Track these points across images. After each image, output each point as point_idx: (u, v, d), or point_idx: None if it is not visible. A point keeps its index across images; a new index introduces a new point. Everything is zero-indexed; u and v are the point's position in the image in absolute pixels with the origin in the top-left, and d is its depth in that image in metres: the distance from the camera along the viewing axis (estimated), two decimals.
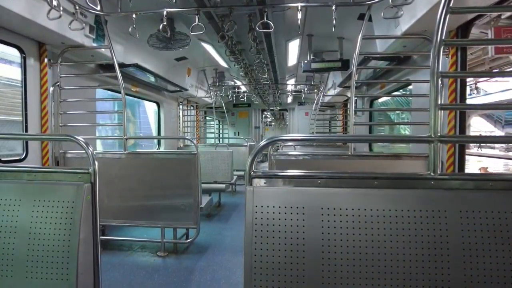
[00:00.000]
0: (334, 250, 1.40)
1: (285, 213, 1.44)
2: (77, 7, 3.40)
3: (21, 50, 3.61)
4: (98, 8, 3.44)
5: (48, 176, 1.75)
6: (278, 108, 14.43)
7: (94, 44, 3.99)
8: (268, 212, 1.45)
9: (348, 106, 9.27)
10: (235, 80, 8.87)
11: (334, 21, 3.17)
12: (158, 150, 3.89)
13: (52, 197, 1.65)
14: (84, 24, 3.69)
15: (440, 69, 1.46)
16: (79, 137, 1.73)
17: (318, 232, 1.42)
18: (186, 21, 4.56)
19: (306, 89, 9.04)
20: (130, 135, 6.40)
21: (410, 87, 4.98)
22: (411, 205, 1.41)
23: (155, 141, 7.52)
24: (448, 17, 1.41)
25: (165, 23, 3.53)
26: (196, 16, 3.47)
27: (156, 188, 3.84)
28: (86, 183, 1.67)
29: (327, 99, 9.23)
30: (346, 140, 1.85)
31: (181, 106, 8.36)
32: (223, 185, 5.72)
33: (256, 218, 1.44)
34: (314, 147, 7.72)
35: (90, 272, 1.70)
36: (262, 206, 1.46)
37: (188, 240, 4.07)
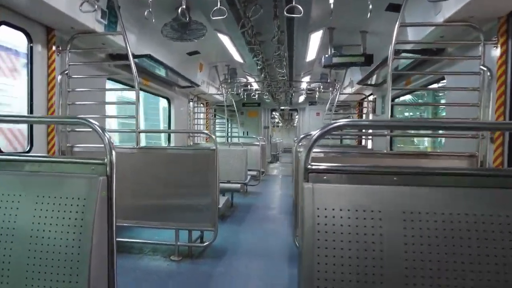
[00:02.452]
0: (421, 266, 1.09)
1: (357, 218, 1.13)
2: None
3: (27, 35, 3.34)
4: None
5: (55, 167, 1.45)
6: (289, 108, 14.14)
7: (107, 32, 3.71)
8: (334, 216, 1.13)
9: (365, 105, 8.96)
10: (248, 77, 8.58)
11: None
12: (173, 146, 3.59)
13: (59, 193, 1.36)
14: (96, 7, 3.42)
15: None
16: (93, 121, 1.44)
17: (399, 243, 1.10)
18: (204, 9, 4.27)
19: (321, 87, 8.71)
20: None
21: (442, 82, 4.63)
22: None
23: (164, 137, 7.25)
24: None
25: (184, 6, 3.25)
26: (218, 0, 3.18)
27: (170, 187, 3.54)
28: (102, 175, 1.37)
29: (342, 97, 8.90)
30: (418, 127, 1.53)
31: (191, 103, 8.08)
32: (238, 185, 5.40)
33: (318, 224, 1.13)
34: (331, 147, 7.41)
35: (104, 282, 1.40)
36: (326, 209, 1.14)
37: (205, 244, 3.76)
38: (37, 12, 3.13)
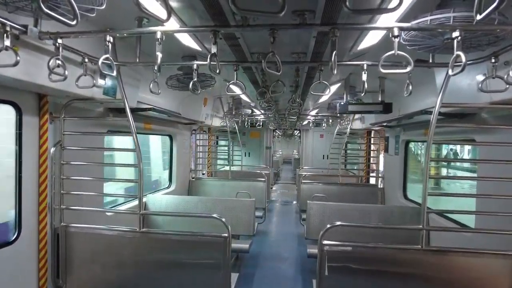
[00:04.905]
0: None
1: None
2: (86, 59, 2.74)
3: (16, 106, 2.93)
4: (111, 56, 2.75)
5: None
6: (294, 128, 13.80)
7: (105, 97, 3.32)
8: None
9: (374, 141, 8.61)
10: (253, 109, 8.22)
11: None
12: (181, 231, 3.19)
13: None
14: (93, 74, 3.02)
15: None
16: None
17: None
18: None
19: (331, 121, 8.35)
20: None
21: None
22: None
23: (166, 177, 6.85)
24: None
25: (195, 79, 2.87)
26: (235, 73, 2.80)
27: (177, 275, 3.14)
28: None
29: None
30: None
31: (194, 136, 7.68)
32: (246, 245, 4.98)
33: None
34: (338, 185, 7.06)
35: None
36: None
37: None
38: (27, 88, 2.74)
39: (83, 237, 3.26)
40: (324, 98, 6.02)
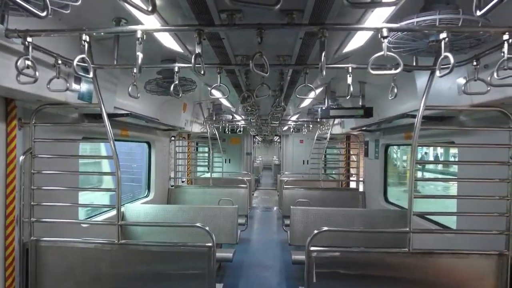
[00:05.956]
0: None
1: None
2: (60, 61, 2.57)
3: None
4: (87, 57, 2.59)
5: None
6: (275, 134, 13.82)
7: (80, 101, 3.13)
8: None
9: (353, 146, 8.73)
10: (234, 115, 8.13)
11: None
12: (163, 242, 3.04)
13: None
14: (67, 78, 2.84)
15: None
16: None
17: None
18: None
19: (311, 127, 8.39)
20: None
21: None
22: None
23: (143, 186, 6.61)
24: None
25: (177, 82, 2.75)
26: (218, 75, 2.71)
27: None
28: None
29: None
30: None
31: (173, 142, 7.47)
32: (230, 254, 4.83)
33: None
34: (321, 190, 7.07)
35: None
36: None
37: None
38: None
39: (56, 251, 3.03)
40: (307, 102, 6.03)
